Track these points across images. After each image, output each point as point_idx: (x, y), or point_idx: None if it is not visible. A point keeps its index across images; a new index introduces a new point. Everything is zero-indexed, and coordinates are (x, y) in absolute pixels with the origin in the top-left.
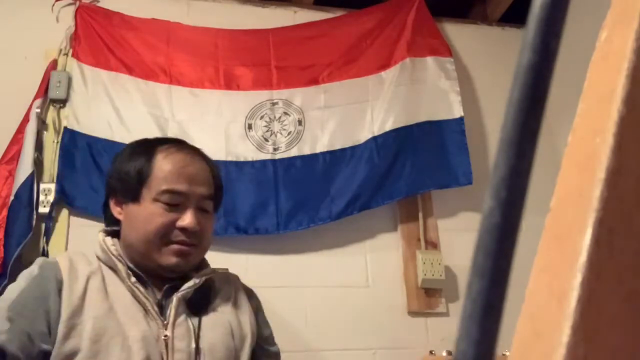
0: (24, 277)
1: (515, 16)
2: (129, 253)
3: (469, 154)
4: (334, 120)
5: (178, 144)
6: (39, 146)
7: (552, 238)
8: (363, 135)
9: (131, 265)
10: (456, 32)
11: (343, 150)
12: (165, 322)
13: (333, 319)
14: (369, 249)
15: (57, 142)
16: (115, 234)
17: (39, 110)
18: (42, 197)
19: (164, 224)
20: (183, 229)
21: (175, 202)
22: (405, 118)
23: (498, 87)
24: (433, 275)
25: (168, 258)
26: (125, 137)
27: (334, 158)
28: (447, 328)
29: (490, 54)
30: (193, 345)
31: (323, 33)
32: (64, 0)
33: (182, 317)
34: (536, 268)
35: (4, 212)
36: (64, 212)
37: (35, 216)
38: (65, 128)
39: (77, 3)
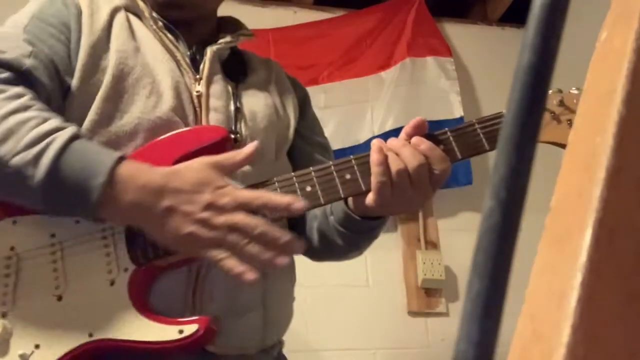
0: (34, 2)
1: (515, 16)
2: (151, 4)
3: None
4: (334, 120)
5: None
6: None
7: (552, 238)
8: (363, 135)
9: (156, 15)
10: (456, 32)
11: (343, 150)
12: (198, 77)
13: (333, 319)
14: (369, 249)
15: None
16: None
17: None
18: None
19: None
20: None
21: None
22: (405, 118)
23: (498, 87)
24: (433, 275)
25: None
26: None
27: (334, 158)
28: (447, 328)
29: (490, 54)
30: (232, 106)
31: (323, 33)
32: None
33: (219, 76)
34: (536, 268)
35: None
36: None
37: None
38: None
39: None
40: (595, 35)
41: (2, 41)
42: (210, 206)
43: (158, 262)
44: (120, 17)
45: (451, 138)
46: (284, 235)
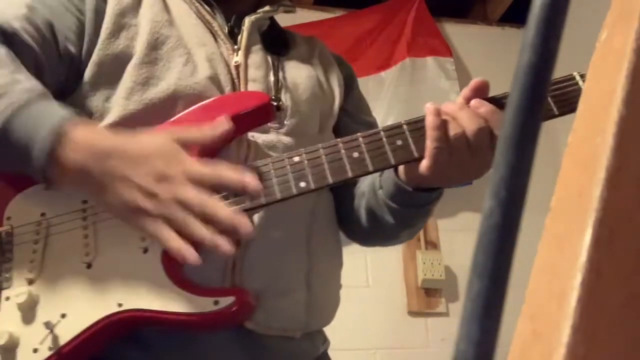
0: None
1: (515, 16)
2: None
3: None
4: None
5: None
6: None
7: (552, 238)
8: None
9: None
10: (456, 32)
11: None
12: (236, 47)
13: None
14: (369, 249)
15: None
16: None
17: None
18: None
19: None
20: None
21: None
22: (405, 117)
23: (498, 87)
24: (433, 275)
25: None
26: None
27: None
28: (447, 328)
29: (490, 54)
30: (272, 77)
31: (323, 33)
32: None
33: (259, 46)
34: (536, 268)
35: None
36: None
37: None
38: None
39: None
40: (595, 35)
41: (4, 2)
42: (158, 177)
43: None
44: None
45: None
46: (235, 218)
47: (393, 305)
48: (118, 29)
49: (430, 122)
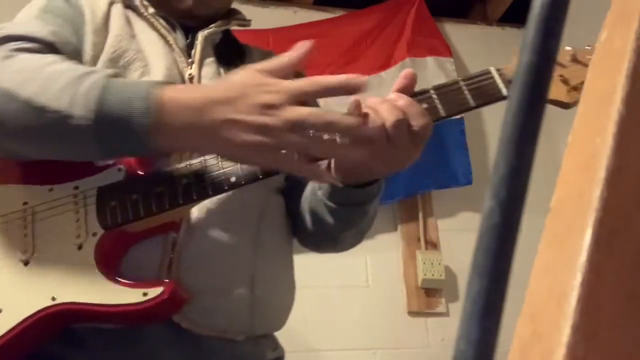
0: (36, 1)
1: (515, 16)
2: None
3: (469, 154)
4: None
5: None
6: None
7: (552, 238)
8: None
9: (153, 10)
10: (456, 32)
11: None
12: (190, 61)
13: (333, 319)
14: (369, 249)
15: None
16: None
17: None
18: None
19: None
20: None
21: None
22: None
23: None
24: (433, 275)
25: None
26: None
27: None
28: (447, 328)
29: (490, 54)
30: None
31: (323, 33)
32: None
33: (211, 59)
34: (536, 268)
35: None
36: None
37: None
38: None
39: None
40: (595, 35)
41: (22, 25)
42: (262, 107)
43: (127, 227)
44: (118, 7)
45: (434, 96)
46: (350, 120)
47: (393, 305)
48: (94, 48)
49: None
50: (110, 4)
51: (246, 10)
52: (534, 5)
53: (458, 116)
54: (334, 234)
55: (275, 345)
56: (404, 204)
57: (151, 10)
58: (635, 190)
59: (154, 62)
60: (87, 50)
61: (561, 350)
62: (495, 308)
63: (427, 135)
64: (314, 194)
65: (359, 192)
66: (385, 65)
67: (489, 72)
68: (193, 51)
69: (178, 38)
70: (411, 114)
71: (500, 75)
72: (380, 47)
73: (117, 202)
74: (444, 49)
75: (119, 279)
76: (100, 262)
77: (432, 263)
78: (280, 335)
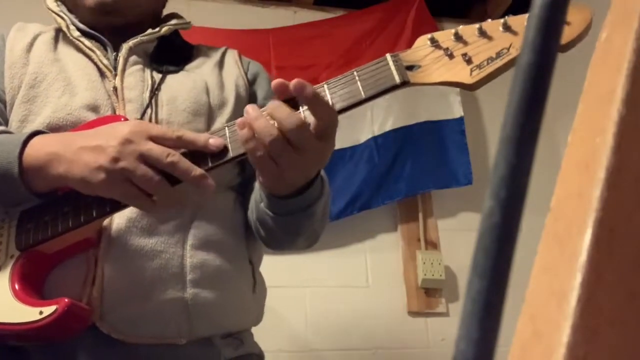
0: None
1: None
2: (77, 13)
3: (469, 154)
4: None
5: None
6: None
7: (552, 238)
8: (363, 135)
9: (82, 26)
10: None
11: (343, 150)
12: (114, 73)
13: (333, 319)
14: (369, 249)
15: None
16: None
17: None
18: None
19: None
20: None
21: None
22: (405, 118)
23: (498, 87)
24: (433, 275)
25: None
26: None
27: (334, 158)
28: (447, 328)
29: None
30: (146, 94)
31: (323, 33)
32: None
33: (137, 68)
34: (536, 268)
35: None
36: None
37: None
38: None
39: None
40: (595, 35)
41: None
42: (122, 140)
43: (41, 248)
44: (45, 36)
45: (327, 91)
46: (195, 169)
47: (393, 305)
48: (10, 78)
49: (240, 136)
50: (36, 37)
51: (246, 10)
52: (534, 5)
53: (458, 115)
54: (285, 239)
55: (240, 343)
56: (404, 204)
57: (76, 33)
58: (635, 190)
59: (78, 81)
60: (6, 84)
61: (561, 350)
62: (495, 308)
63: (307, 136)
64: (257, 205)
65: (290, 202)
66: None
67: (384, 60)
68: (116, 63)
69: (104, 54)
70: (283, 122)
71: (396, 62)
72: (380, 47)
73: (32, 225)
74: None
75: (25, 298)
76: (14, 283)
77: (432, 263)
78: (280, 335)
